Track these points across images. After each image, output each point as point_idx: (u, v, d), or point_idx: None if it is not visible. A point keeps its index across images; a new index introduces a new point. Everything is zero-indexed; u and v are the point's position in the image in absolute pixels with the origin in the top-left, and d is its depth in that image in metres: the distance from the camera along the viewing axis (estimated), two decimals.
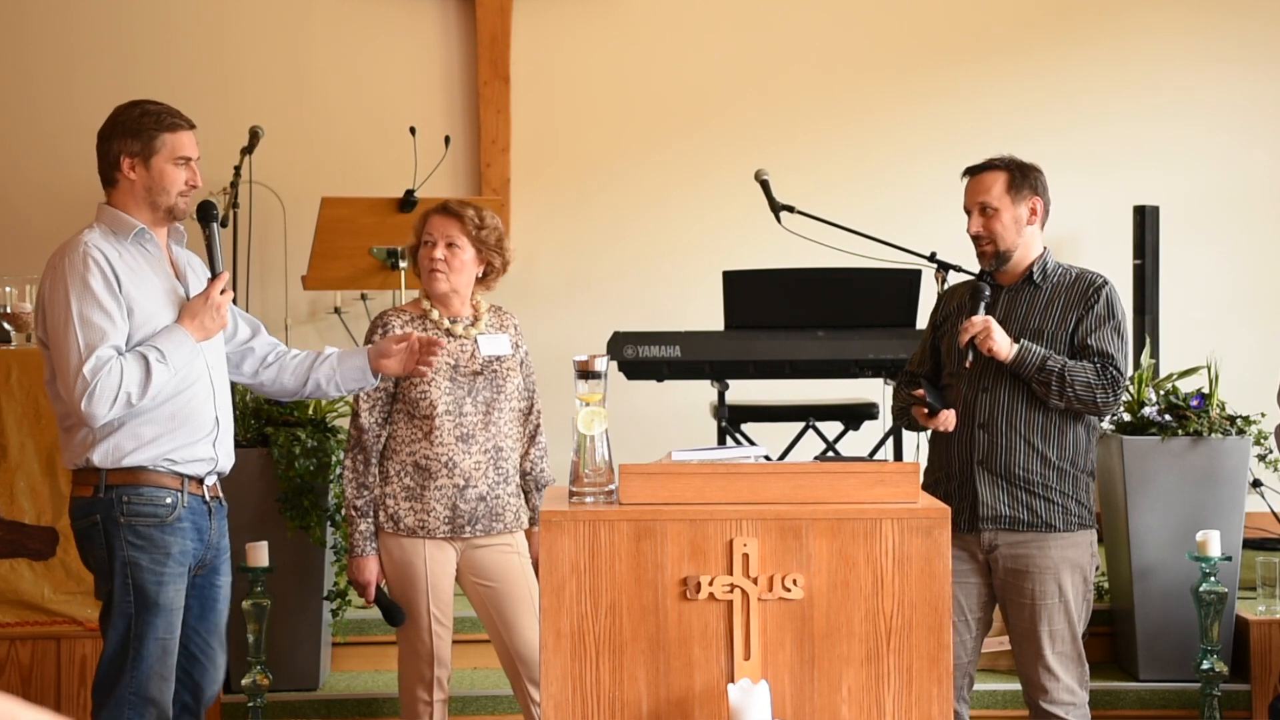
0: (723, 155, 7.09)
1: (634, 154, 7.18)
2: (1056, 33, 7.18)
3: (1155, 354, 6.22)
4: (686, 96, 7.18)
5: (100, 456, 3.65)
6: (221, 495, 3.87)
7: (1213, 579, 4.94)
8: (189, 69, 7.07)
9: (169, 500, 3.67)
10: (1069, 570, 4.02)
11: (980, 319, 4.04)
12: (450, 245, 4.22)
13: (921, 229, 6.71)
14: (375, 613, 4.45)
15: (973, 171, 4.20)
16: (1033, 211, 4.15)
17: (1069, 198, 7.10)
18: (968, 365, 4.07)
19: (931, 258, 5.71)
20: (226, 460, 3.83)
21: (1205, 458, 5.13)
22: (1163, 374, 5.34)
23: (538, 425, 4.40)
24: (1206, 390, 5.18)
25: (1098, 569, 4.16)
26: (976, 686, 5.11)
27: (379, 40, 7.14)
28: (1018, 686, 5.09)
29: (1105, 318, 4.07)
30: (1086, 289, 4.10)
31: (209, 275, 3.81)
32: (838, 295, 5.78)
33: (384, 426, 4.24)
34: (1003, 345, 4.01)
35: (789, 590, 3.25)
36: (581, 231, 7.17)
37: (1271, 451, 5.23)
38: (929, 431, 4.20)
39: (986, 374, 4.08)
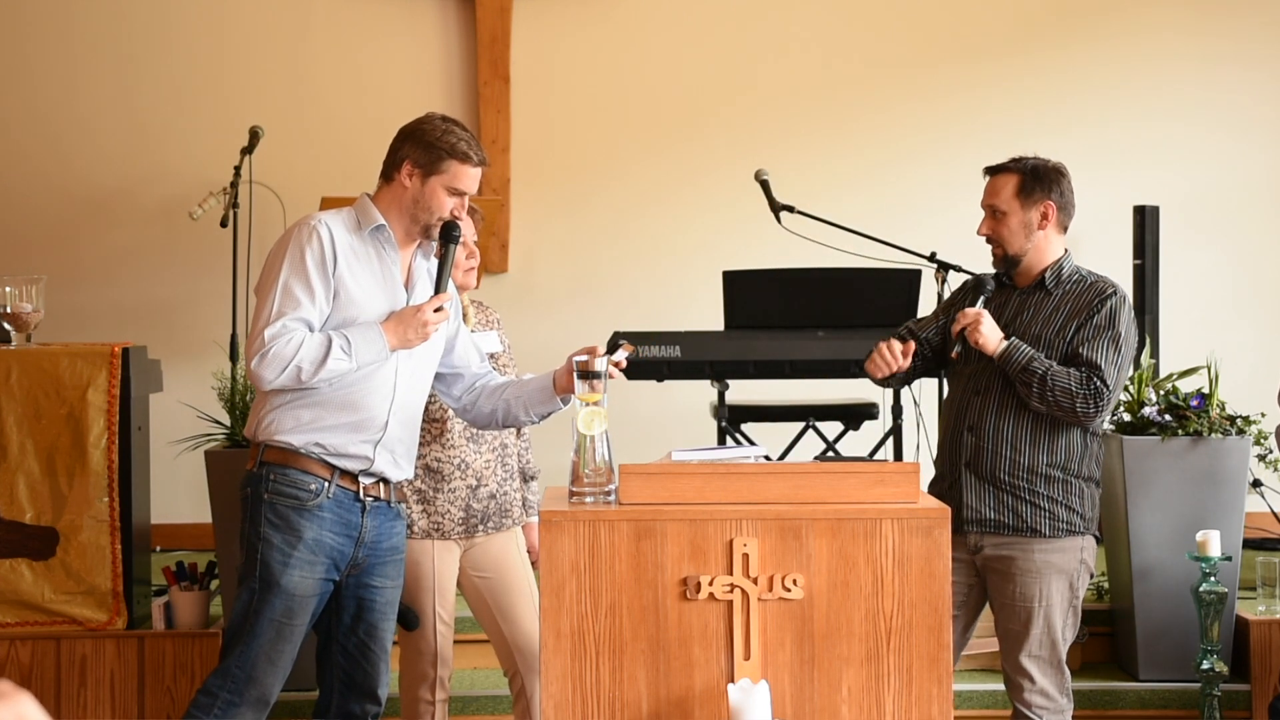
0: (722, 155, 7.09)
1: (634, 154, 7.18)
2: (1057, 32, 7.18)
3: (1155, 354, 6.21)
4: (686, 96, 7.18)
5: (261, 430, 3.69)
6: (391, 499, 3.80)
7: (1213, 579, 4.94)
8: (189, 69, 7.08)
9: (313, 486, 3.66)
10: (1053, 576, 3.96)
11: (973, 310, 4.00)
12: (476, 242, 4.22)
13: (921, 229, 6.71)
14: None
15: (990, 172, 4.12)
16: (1044, 216, 4.02)
17: None
18: (954, 355, 4.05)
19: (931, 258, 5.71)
20: (393, 470, 3.76)
21: (1205, 458, 5.12)
22: (1163, 374, 5.34)
23: None
24: (1207, 390, 5.17)
25: (1093, 575, 4.11)
26: (976, 686, 5.12)
27: (379, 40, 7.14)
28: None
29: (1103, 328, 3.95)
30: (1093, 298, 3.99)
31: (432, 291, 3.74)
32: (838, 295, 5.77)
33: None
34: (990, 339, 3.96)
35: (789, 590, 3.25)
36: (581, 231, 7.17)
37: (1271, 451, 5.23)
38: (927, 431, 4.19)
39: (981, 376, 4.04)
